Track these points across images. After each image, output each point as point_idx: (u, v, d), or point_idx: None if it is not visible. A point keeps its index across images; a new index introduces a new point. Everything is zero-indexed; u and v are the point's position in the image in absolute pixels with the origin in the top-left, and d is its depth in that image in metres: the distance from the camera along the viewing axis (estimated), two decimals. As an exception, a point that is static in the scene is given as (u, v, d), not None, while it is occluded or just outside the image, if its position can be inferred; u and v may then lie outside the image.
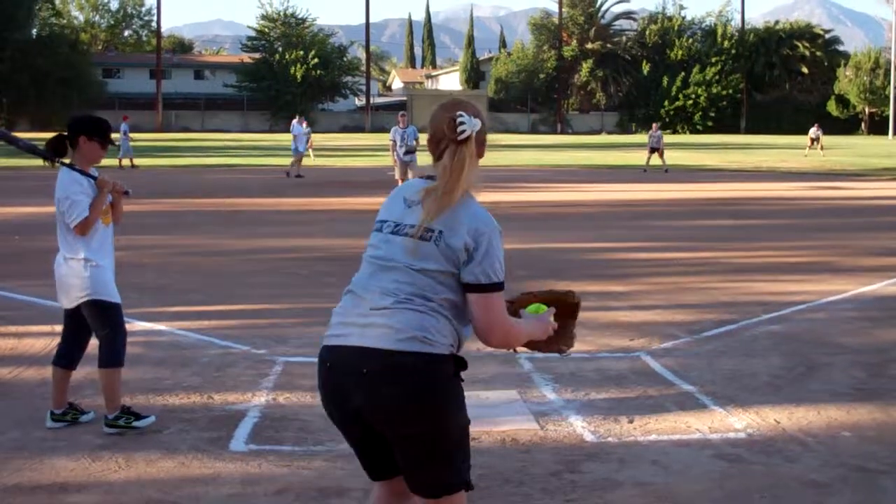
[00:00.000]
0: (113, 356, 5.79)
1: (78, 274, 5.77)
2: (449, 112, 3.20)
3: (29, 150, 5.84)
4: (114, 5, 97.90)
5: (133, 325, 8.68)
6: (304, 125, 39.44)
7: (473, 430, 5.74)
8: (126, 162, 32.29)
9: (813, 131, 43.69)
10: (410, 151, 20.55)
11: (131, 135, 33.57)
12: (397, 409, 3.00)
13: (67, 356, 6.02)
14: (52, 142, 5.77)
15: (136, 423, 5.78)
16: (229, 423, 5.94)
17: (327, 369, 3.17)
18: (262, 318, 9.11)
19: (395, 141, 20.35)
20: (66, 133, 5.80)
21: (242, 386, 6.79)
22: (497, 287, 3.11)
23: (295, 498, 4.81)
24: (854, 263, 12.54)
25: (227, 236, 15.24)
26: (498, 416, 6.10)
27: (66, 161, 5.80)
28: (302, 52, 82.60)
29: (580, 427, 5.86)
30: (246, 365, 7.36)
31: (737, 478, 5.08)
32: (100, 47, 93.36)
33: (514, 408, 6.28)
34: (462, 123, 3.15)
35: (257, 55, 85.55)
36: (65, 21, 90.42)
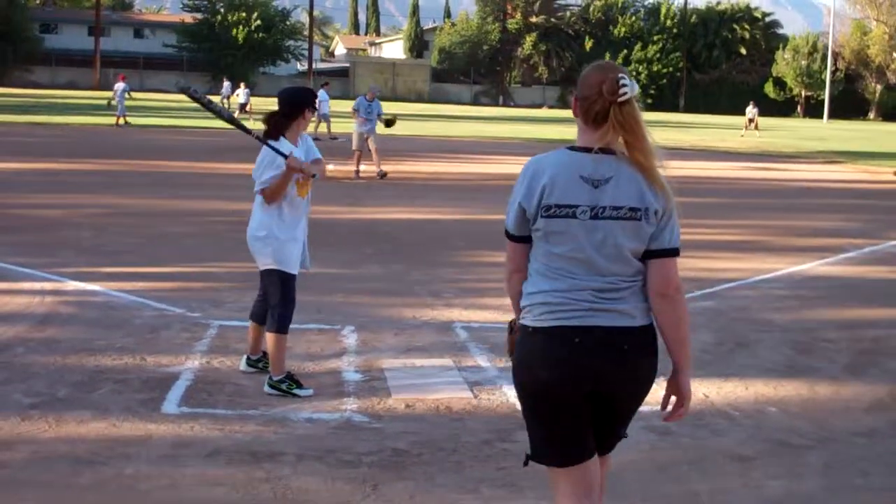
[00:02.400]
0: (280, 323, 5.88)
1: (266, 243, 5.91)
2: (610, 73, 3.10)
3: (230, 120, 6.04)
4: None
5: (66, 285, 8.59)
6: (243, 87, 39.14)
7: (407, 397, 5.81)
8: (122, 121, 31.86)
9: (750, 110, 44.06)
10: (370, 122, 20.20)
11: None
12: (647, 377, 3.18)
13: (261, 313, 6.15)
14: (273, 122, 5.98)
15: (296, 391, 5.83)
16: (162, 386, 5.90)
17: (575, 347, 3.07)
18: (198, 282, 9.04)
19: (357, 111, 20.10)
20: (282, 109, 5.97)
21: (176, 349, 6.74)
22: (678, 252, 3.16)
23: (227, 461, 4.81)
24: (786, 243, 12.78)
25: (165, 198, 15.05)
26: (433, 384, 6.14)
27: (268, 141, 5.93)
28: (244, 14, 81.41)
29: (513, 396, 5.91)
30: (180, 327, 7.31)
31: (666, 450, 5.19)
32: (37, 2, 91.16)
33: (448, 376, 6.33)
34: (625, 85, 3.06)
35: (199, 15, 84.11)
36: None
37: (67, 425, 5.20)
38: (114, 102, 32.43)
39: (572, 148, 3.17)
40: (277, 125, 5.98)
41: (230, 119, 6.06)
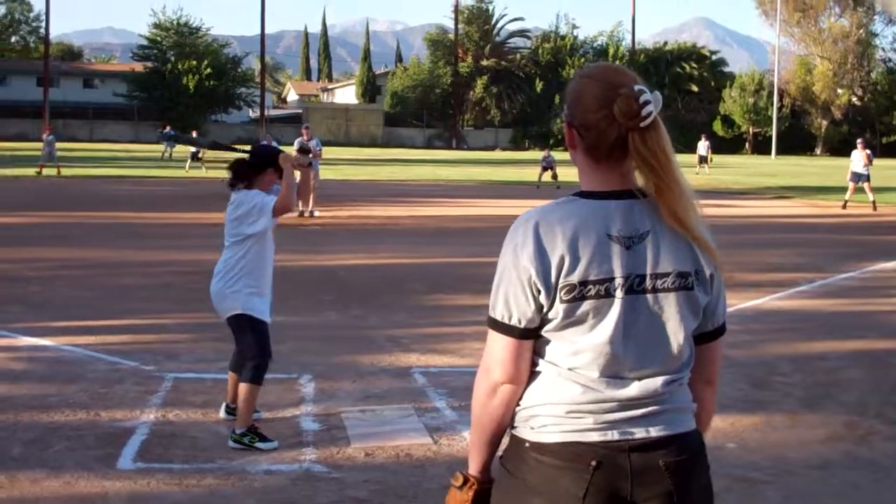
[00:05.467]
0: (254, 373, 5.83)
1: (235, 289, 5.86)
2: (619, 84, 2.20)
3: (211, 145, 6.21)
4: (0, 10, 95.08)
5: (17, 340, 8.46)
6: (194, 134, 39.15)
7: (367, 445, 5.77)
8: (56, 171, 32.19)
9: (702, 145, 44.39)
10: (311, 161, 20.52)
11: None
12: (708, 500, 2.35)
13: (239, 364, 6.07)
14: (239, 167, 5.95)
15: (259, 444, 5.74)
16: (117, 441, 5.81)
17: (597, 474, 2.17)
18: (151, 334, 8.95)
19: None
20: (249, 159, 5.97)
21: (130, 402, 6.65)
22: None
23: (185, 516, 4.74)
24: (739, 279, 12.89)
25: (116, 249, 14.91)
26: (392, 431, 6.11)
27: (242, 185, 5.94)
28: (195, 62, 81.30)
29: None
30: (134, 381, 7.21)
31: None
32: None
33: (408, 422, 6.30)
34: (647, 103, 2.18)
35: (149, 64, 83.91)
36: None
37: (21, 485, 5.10)
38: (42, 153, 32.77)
39: (584, 194, 2.25)
40: (240, 174, 5.98)
41: (214, 144, 6.09)
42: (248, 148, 6.19)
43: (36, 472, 5.27)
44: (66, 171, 32.40)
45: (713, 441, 6.04)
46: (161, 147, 45.99)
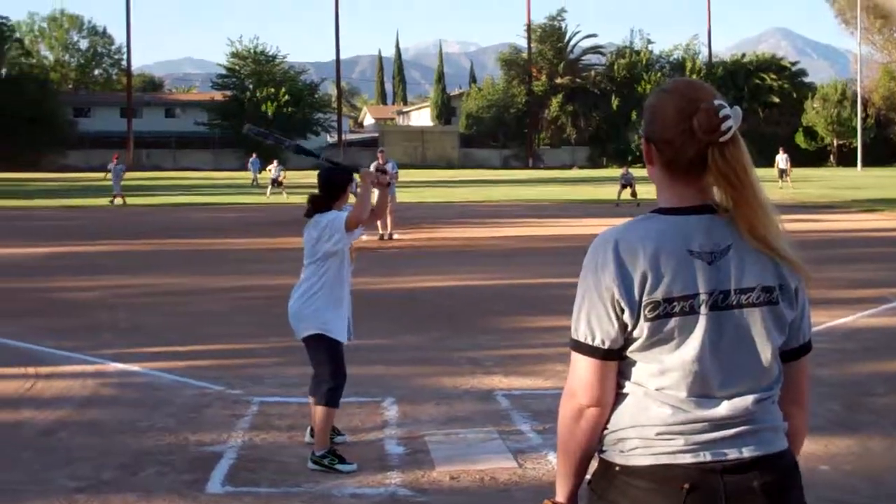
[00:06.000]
0: (330, 396, 5.85)
1: (313, 310, 5.90)
2: (698, 98, 2.18)
3: (297, 149, 6.23)
4: (83, 44, 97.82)
5: (107, 366, 8.63)
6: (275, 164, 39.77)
7: (451, 469, 5.75)
8: (119, 200, 32.62)
9: (780, 158, 43.42)
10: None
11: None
12: None
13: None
14: (317, 200, 5.99)
15: (338, 466, 5.78)
16: (205, 465, 5.88)
17: (687, 494, 2.12)
18: (237, 358, 9.06)
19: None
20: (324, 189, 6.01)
21: (218, 427, 6.73)
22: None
23: (274, 541, 4.77)
24: (826, 296, 12.60)
25: (202, 276, 15.16)
26: (476, 454, 6.07)
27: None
28: (273, 90, 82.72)
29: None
30: (221, 405, 7.30)
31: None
32: (70, 86, 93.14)
33: (492, 446, 6.26)
34: (727, 117, 2.15)
35: (228, 93, 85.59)
36: (34, 60, 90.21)
37: (113, 510, 5.18)
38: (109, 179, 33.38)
39: (663, 210, 2.22)
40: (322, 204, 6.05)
41: (299, 148, 6.17)
42: (335, 160, 6.23)
43: (127, 497, 5.35)
44: (152, 200, 33.05)
45: (805, 463, 5.87)
46: (250, 174, 46.90)
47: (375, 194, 6.30)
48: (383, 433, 6.57)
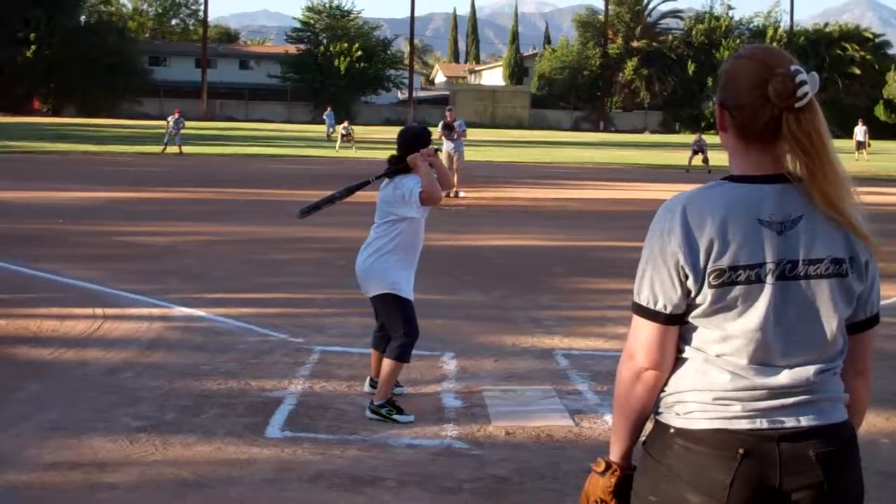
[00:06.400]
0: (401, 351, 5.93)
1: (385, 268, 5.95)
2: (776, 64, 2.14)
3: (348, 193, 6.14)
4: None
5: (172, 311, 8.79)
6: (345, 124, 39.94)
7: (507, 424, 5.77)
8: (174, 149, 32.79)
9: (859, 130, 42.50)
10: (457, 140, 20.84)
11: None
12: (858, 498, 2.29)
13: (381, 342, 6.23)
14: (398, 162, 6.05)
15: (396, 416, 5.87)
16: (265, 410, 5.97)
17: (747, 462, 2.11)
18: (300, 307, 9.16)
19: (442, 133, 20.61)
20: (400, 150, 6.07)
21: (279, 373, 6.83)
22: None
23: (328, 485, 4.84)
24: (898, 269, 12.36)
25: (269, 225, 15.31)
26: (533, 411, 6.09)
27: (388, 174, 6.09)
28: (346, 45, 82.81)
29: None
30: (283, 352, 7.40)
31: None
32: (147, 35, 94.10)
33: (549, 403, 6.27)
34: (803, 82, 2.10)
35: (302, 46, 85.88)
36: (113, 8, 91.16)
37: (174, 448, 5.30)
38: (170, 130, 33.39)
39: (734, 178, 2.19)
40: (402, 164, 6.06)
41: (349, 190, 6.14)
42: (365, 180, 6.18)
43: (188, 437, 5.46)
44: (223, 150, 33.33)
45: (866, 436, 5.80)
46: (324, 128, 47.35)
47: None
48: (441, 386, 6.62)
